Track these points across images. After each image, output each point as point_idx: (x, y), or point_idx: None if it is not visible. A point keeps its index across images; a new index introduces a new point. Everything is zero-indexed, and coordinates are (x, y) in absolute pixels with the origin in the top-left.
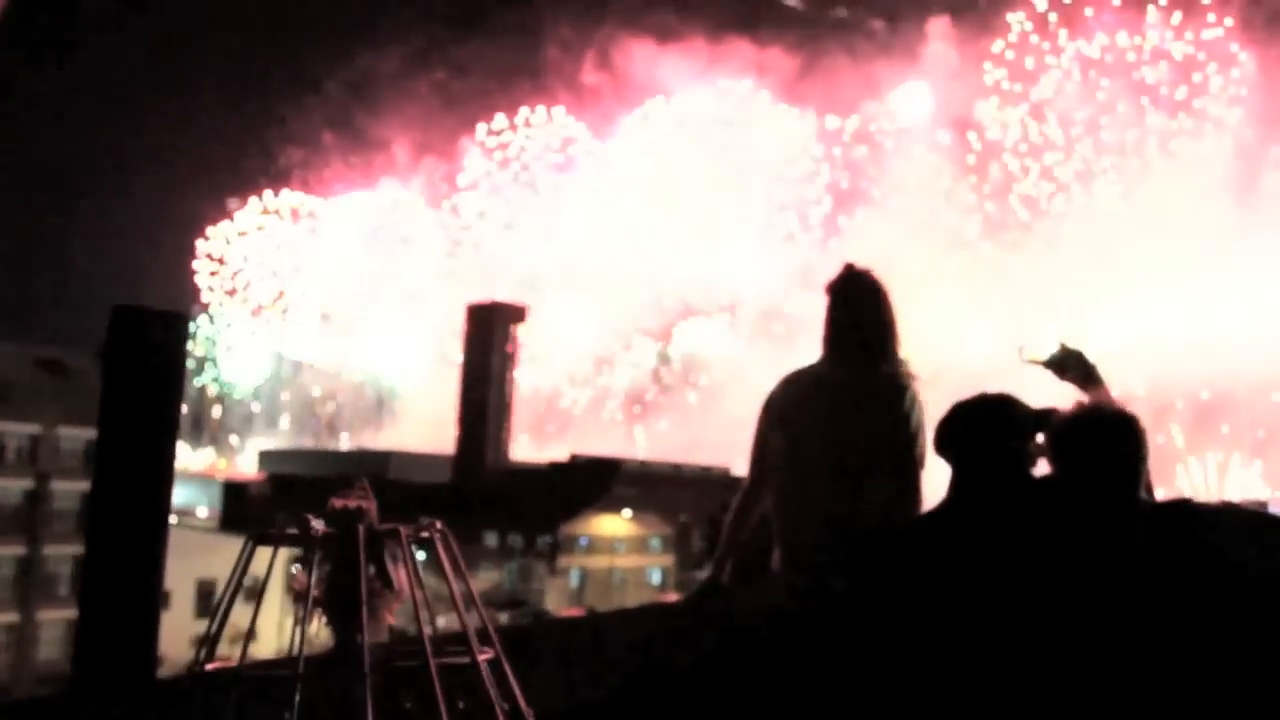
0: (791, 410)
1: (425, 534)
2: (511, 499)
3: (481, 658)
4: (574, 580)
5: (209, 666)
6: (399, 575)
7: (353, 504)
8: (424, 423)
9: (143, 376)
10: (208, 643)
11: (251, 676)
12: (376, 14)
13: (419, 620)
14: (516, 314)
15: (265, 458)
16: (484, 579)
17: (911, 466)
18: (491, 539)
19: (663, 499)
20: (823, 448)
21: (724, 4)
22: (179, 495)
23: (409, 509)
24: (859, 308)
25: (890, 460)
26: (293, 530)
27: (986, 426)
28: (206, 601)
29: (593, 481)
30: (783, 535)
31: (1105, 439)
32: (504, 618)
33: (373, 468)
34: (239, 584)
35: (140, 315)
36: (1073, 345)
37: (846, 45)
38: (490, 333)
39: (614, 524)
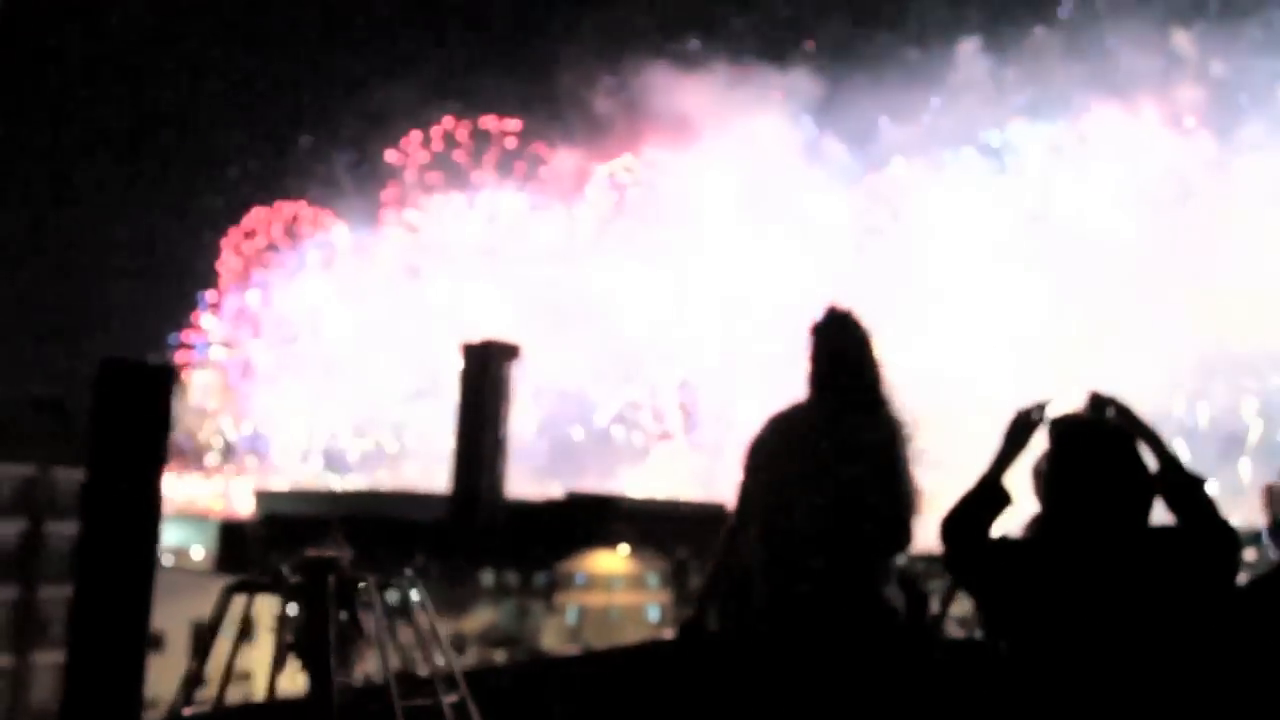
0: (776, 452)
1: (394, 581)
2: (508, 536)
3: (447, 700)
4: (571, 618)
5: (186, 711)
6: (369, 622)
7: (327, 553)
8: (428, 460)
9: (127, 429)
10: (186, 687)
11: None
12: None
13: (384, 665)
14: (511, 352)
15: (261, 498)
16: (480, 617)
17: (899, 508)
18: (488, 577)
19: (660, 535)
20: (808, 490)
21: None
22: (174, 535)
23: (405, 547)
24: (843, 348)
25: (878, 502)
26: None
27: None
28: (201, 643)
29: (589, 519)
30: (765, 577)
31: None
32: (499, 656)
33: (370, 507)
34: (215, 629)
35: (127, 368)
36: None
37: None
38: (486, 371)
39: (611, 561)
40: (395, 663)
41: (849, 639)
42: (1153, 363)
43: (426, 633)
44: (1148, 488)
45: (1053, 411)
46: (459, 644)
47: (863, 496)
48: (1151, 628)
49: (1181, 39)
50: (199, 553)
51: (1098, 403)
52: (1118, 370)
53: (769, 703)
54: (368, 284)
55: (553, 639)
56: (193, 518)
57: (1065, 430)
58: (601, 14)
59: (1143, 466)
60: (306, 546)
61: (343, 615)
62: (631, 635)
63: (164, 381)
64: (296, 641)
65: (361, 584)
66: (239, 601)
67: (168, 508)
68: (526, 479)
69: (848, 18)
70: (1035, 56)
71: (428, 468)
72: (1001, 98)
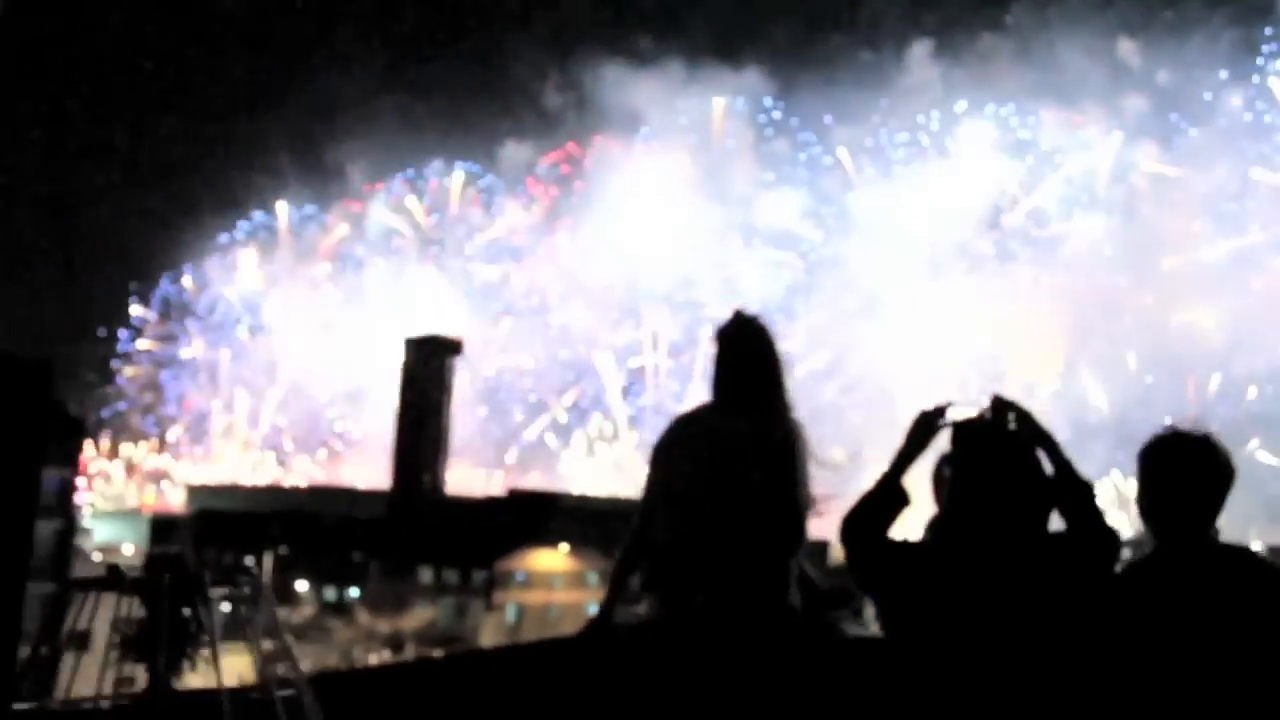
0: (679, 455)
1: (237, 582)
2: (447, 534)
3: (280, 693)
4: (510, 616)
5: (17, 706)
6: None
7: (171, 550)
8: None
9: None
10: (11, 683)
11: (57, 714)
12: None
13: (215, 665)
14: (453, 347)
15: (194, 493)
16: (418, 616)
17: (795, 509)
18: (426, 575)
19: (601, 533)
20: (708, 492)
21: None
22: (104, 532)
23: (343, 544)
24: (745, 354)
25: (775, 503)
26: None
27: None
28: (127, 641)
29: (530, 515)
30: (665, 577)
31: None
32: (438, 654)
33: (306, 503)
34: (53, 627)
35: (5, 361)
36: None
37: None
38: (427, 366)
39: (551, 559)
40: (250, 662)
41: (746, 639)
42: (1095, 366)
43: (269, 631)
44: (1043, 493)
45: (955, 414)
46: (397, 642)
47: (760, 498)
48: (1034, 627)
49: (1128, 48)
50: (129, 549)
51: (999, 407)
52: (1060, 374)
53: (667, 702)
54: (311, 275)
55: (491, 637)
56: (123, 513)
57: (965, 436)
58: (553, 11)
59: (1039, 472)
60: (240, 542)
61: (185, 613)
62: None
63: (41, 376)
64: (131, 640)
65: (199, 583)
66: (84, 599)
67: (99, 503)
68: (469, 476)
69: (803, 19)
70: (983, 61)
71: (367, 464)
72: (949, 101)
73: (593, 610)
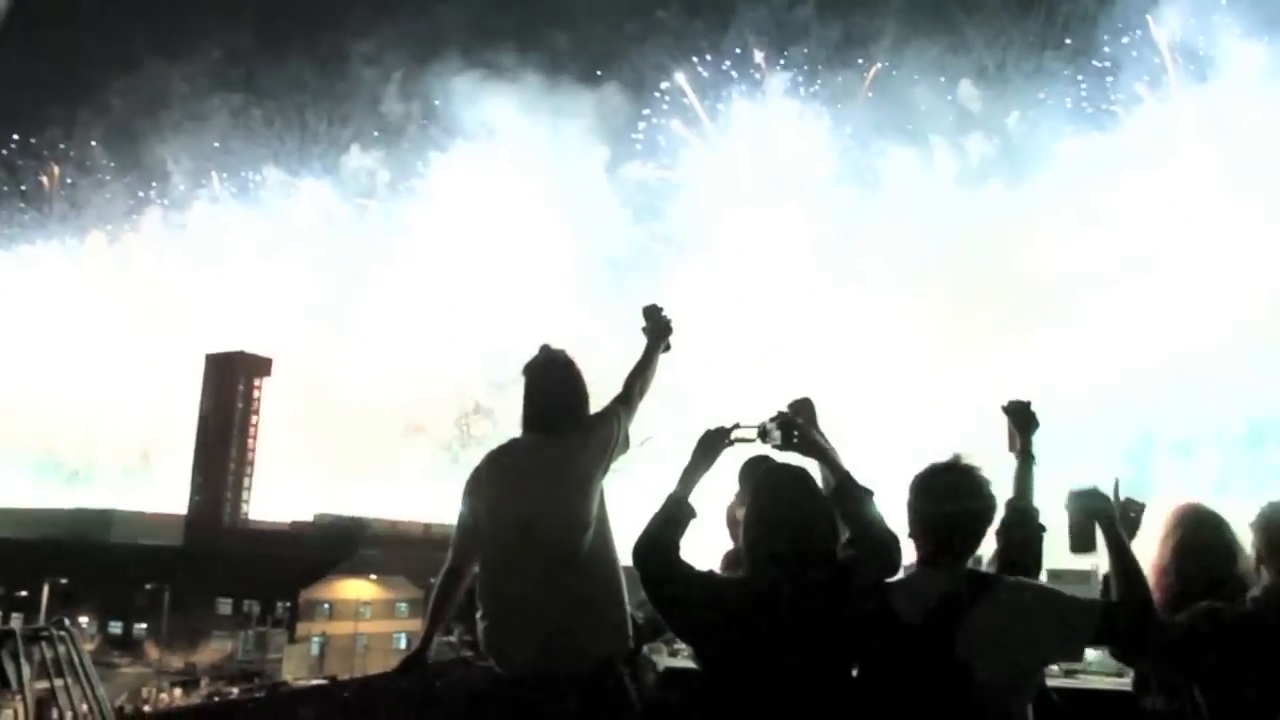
0: (490, 485)
1: (46, 633)
2: (248, 562)
3: None
4: (315, 648)
5: None
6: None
7: None
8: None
9: None
10: None
11: None
12: None
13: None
14: (262, 365)
15: None
16: (215, 649)
17: (600, 531)
18: (225, 606)
19: (411, 560)
20: (518, 520)
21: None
22: None
23: (135, 574)
24: (551, 386)
25: (581, 526)
26: None
27: None
28: None
29: (337, 543)
30: (485, 604)
31: None
32: (235, 693)
33: (96, 529)
34: None
35: None
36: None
37: None
38: (232, 384)
39: (359, 588)
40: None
41: (571, 667)
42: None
43: (84, 682)
44: (825, 518)
45: (740, 433)
46: (190, 678)
47: (568, 520)
48: (816, 652)
49: (971, 92)
50: None
51: (784, 422)
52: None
53: None
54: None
55: (294, 670)
56: None
57: (749, 474)
58: (412, 20)
59: (818, 499)
60: (11, 574)
61: None
62: (379, 665)
63: None
64: None
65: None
66: None
67: None
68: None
69: (664, 44)
70: (839, 97)
71: (164, 487)
72: (804, 134)
73: (402, 642)
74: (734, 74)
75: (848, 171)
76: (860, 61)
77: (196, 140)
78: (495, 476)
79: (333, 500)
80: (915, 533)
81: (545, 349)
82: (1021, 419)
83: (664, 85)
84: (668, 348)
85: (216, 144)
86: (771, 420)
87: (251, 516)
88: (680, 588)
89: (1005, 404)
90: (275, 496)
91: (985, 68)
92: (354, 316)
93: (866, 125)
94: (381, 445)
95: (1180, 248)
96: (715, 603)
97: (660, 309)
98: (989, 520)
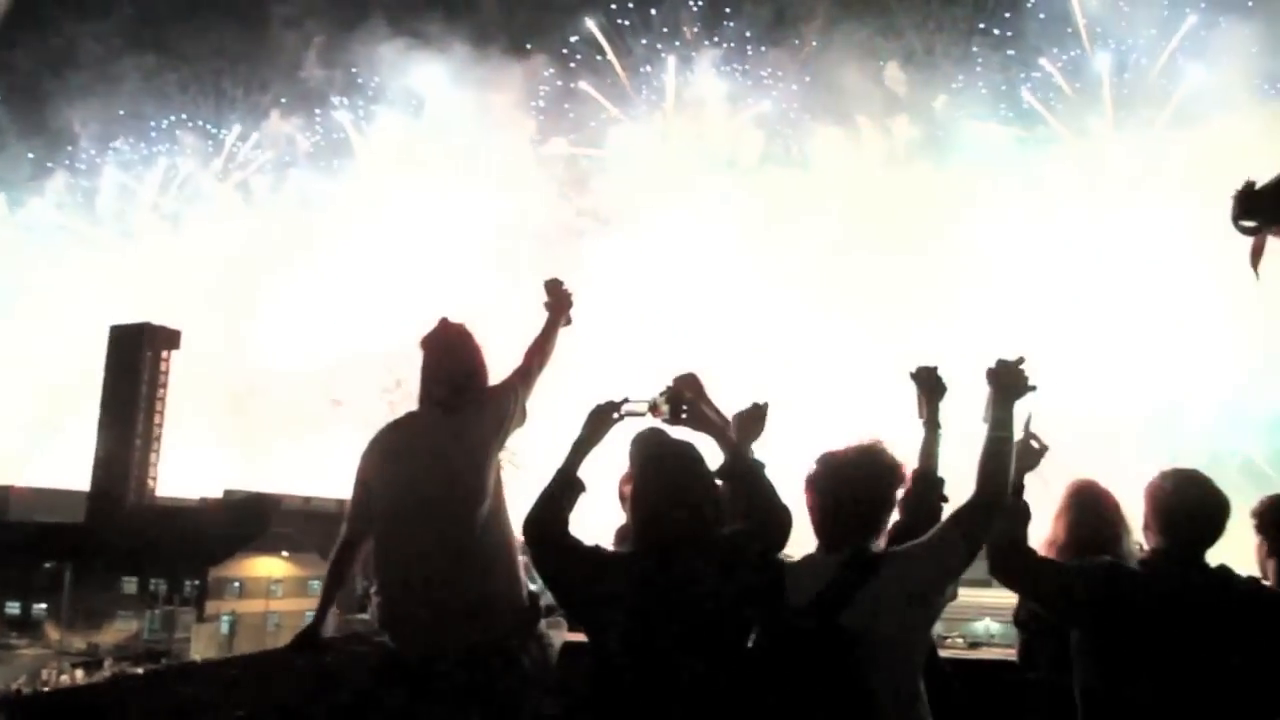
0: (384, 457)
1: None
2: (155, 540)
3: None
4: (225, 627)
5: None
6: None
7: None
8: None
9: None
10: None
11: None
12: None
13: None
14: (169, 338)
15: None
16: (120, 630)
17: (495, 505)
18: (131, 585)
19: (325, 537)
20: (412, 492)
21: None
22: None
23: (35, 552)
24: (446, 358)
25: (476, 499)
26: None
27: None
28: None
29: (248, 519)
30: (379, 579)
31: None
32: (140, 673)
33: None
34: None
35: None
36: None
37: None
38: (137, 357)
39: (270, 565)
40: None
41: (465, 643)
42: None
43: None
44: (709, 491)
45: (630, 407)
46: (94, 659)
47: (464, 489)
48: (702, 628)
49: (898, 76)
50: None
51: (673, 396)
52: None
53: (379, 713)
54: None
55: (203, 650)
56: None
57: (638, 449)
58: None
59: (703, 473)
60: None
61: None
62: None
63: None
64: None
65: None
66: None
67: None
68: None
69: (594, 18)
70: (770, 76)
71: (66, 462)
72: (735, 112)
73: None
74: (664, 53)
75: (775, 150)
76: (795, 43)
77: (106, 103)
78: (390, 448)
79: (245, 477)
80: (813, 518)
81: (443, 321)
82: (928, 385)
83: (594, 60)
84: (569, 321)
85: (124, 110)
86: (660, 394)
87: (159, 493)
88: (567, 561)
89: (913, 370)
90: (184, 472)
91: (914, 51)
92: (272, 288)
93: (795, 105)
94: (299, 420)
95: (1100, 226)
96: (601, 578)
97: (561, 282)
98: (887, 502)
